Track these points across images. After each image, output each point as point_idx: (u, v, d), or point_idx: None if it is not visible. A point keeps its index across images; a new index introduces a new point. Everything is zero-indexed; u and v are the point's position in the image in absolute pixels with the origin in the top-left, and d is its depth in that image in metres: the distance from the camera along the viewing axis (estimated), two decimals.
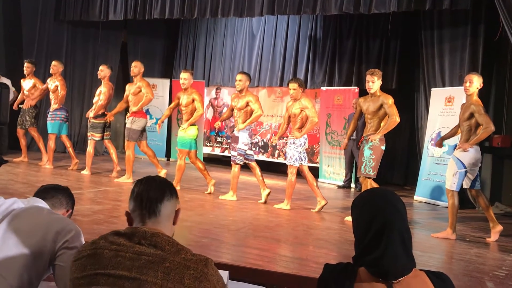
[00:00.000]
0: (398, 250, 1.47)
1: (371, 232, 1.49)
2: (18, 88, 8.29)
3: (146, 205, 1.64)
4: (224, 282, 1.60)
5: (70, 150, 7.75)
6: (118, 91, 10.54)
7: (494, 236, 4.91)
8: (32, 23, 9.64)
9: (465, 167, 4.84)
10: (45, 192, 2.21)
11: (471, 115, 4.83)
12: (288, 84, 6.02)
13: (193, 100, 6.50)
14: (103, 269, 1.51)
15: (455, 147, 5.15)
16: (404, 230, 1.51)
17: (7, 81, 8.21)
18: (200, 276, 1.49)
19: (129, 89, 7.03)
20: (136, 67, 6.94)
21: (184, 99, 6.56)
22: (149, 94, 6.86)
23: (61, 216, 2.09)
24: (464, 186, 4.96)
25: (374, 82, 5.35)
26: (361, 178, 5.49)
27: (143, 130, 6.97)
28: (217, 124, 6.74)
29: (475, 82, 4.84)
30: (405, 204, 1.59)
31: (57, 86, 7.68)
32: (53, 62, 7.84)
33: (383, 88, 5.53)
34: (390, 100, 5.31)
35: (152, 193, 1.66)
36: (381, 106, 5.34)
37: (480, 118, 4.75)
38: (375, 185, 5.42)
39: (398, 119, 5.27)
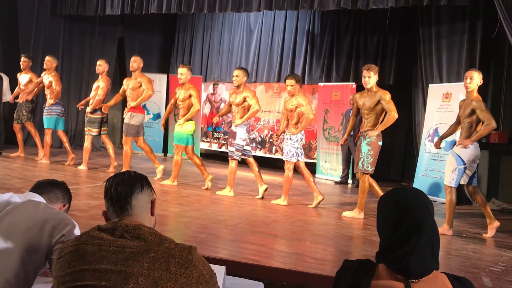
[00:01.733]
0: (425, 250, 1.46)
1: (400, 230, 1.48)
2: (15, 82, 8.24)
3: (116, 201, 1.65)
4: (210, 267, 1.60)
5: (67, 145, 7.73)
6: (114, 86, 10.48)
7: (490, 232, 4.92)
8: (28, 18, 9.59)
9: (464, 164, 4.84)
10: (41, 187, 2.21)
11: (472, 112, 4.82)
12: (285, 80, 6.01)
13: (190, 96, 6.49)
14: (88, 264, 1.51)
15: (453, 143, 5.16)
16: (434, 231, 1.50)
17: (5, 78, 8.14)
18: (186, 263, 1.50)
19: (127, 83, 7.01)
20: (135, 62, 6.92)
21: (181, 94, 6.55)
22: (149, 90, 6.85)
23: (57, 210, 2.08)
24: (462, 182, 4.97)
25: (370, 77, 5.34)
26: (359, 174, 5.50)
27: (141, 125, 6.96)
28: (215, 119, 6.74)
29: (476, 78, 4.84)
30: (431, 202, 1.58)
31: (51, 82, 7.65)
32: (47, 58, 7.81)
33: (380, 84, 5.53)
34: (387, 96, 5.31)
35: (120, 188, 1.66)
36: (378, 101, 5.33)
37: (482, 115, 4.75)
38: (372, 181, 5.43)
39: (396, 115, 5.27)
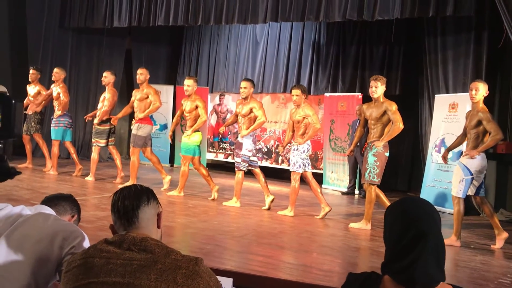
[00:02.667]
0: (430, 260, 1.45)
1: (405, 240, 1.47)
2: (24, 95, 8.31)
3: (123, 214, 1.67)
4: (217, 278, 1.62)
5: (74, 156, 7.78)
6: (122, 97, 10.57)
7: (499, 243, 4.88)
8: (37, 30, 9.70)
9: (471, 174, 4.83)
10: (48, 201, 2.24)
11: (479, 123, 4.82)
12: (291, 91, 6.04)
13: (197, 107, 6.52)
14: (96, 277, 1.52)
15: (459, 153, 5.14)
16: (439, 242, 1.50)
17: (5, 90, 8.09)
18: (192, 274, 1.52)
19: (136, 95, 7.07)
20: (142, 75, 6.97)
21: (187, 105, 6.59)
22: (156, 102, 6.89)
23: (67, 222, 2.10)
24: (469, 193, 4.94)
25: (377, 88, 5.35)
26: (365, 185, 5.49)
27: (148, 136, 7.00)
28: (222, 129, 6.77)
29: (481, 89, 4.84)
30: (438, 214, 1.57)
31: (59, 93, 7.72)
32: (55, 69, 7.89)
33: (386, 94, 5.53)
34: (393, 106, 5.31)
35: (127, 201, 1.68)
36: (384, 112, 5.34)
37: (488, 126, 4.74)
38: (379, 191, 5.41)
39: (402, 126, 5.27)
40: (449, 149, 5.36)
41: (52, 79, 7.88)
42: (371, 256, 4.37)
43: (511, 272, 4.03)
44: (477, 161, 4.80)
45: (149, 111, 6.88)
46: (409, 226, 1.49)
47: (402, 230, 1.50)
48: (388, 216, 1.61)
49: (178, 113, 6.91)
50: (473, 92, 4.86)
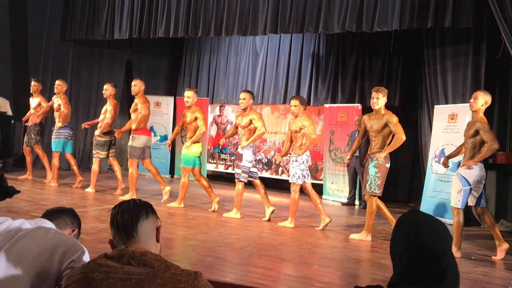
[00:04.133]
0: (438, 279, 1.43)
1: (418, 273, 1.44)
2: (24, 106, 8.33)
3: (122, 228, 1.68)
4: None
5: (75, 168, 7.78)
6: (122, 109, 10.58)
7: (500, 254, 4.87)
8: (38, 42, 9.76)
9: (469, 185, 4.83)
10: (49, 214, 2.24)
11: (476, 132, 4.83)
12: (290, 101, 6.06)
13: (196, 118, 6.54)
14: None
15: (458, 164, 5.15)
16: (456, 277, 1.47)
17: (6, 102, 7.86)
18: None
19: (132, 107, 7.10)
20: (136, 86, 6.98)
21: (187, 116, 6.61)
22: (142, 110, 6.88)
23: (67, 236, 2.10)
24: (469, 203, 4.94)
25: (379, 99, 5.37)
26: (366, 196, 5.49)
27: (146, 147, 6.98)
28: (222, 141, 6.78)
29: (480, 99, 4.85)
30: (451, 236, 1.54)
31: (60, 105, 7.75)
32: (57, 82, 7.92)
33: (386, 105, 5.55)
34: (394, 119, 5.32)
35: (126, 216, 1.69)
36: (385, 124, 5.35)
37: (485, 136, 4.75)
38: (380, 203, 5.41)
39: (404, 137, 5.28)
40: (448, 157, 5.37)
41: (55, 91, 7.90)
42: (372, 268, 4.36)
43: None
44: (474, 171, 4.81)
45: (138, 121, 6.88)
46: (427, 261, 1.44)
47: (418, 262, 1.45)
48: (399, 239, 1.55)
49: (179, 123, 6.92)
50: (472, 100, 4.90)
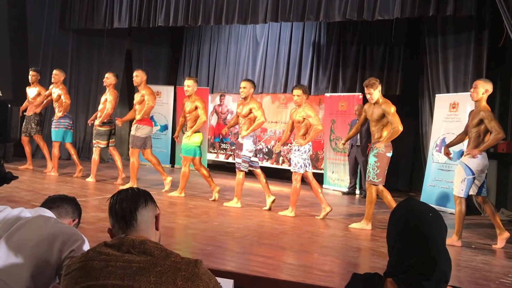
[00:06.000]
0: (437, 278, 1.43)
1: (411, 261, 1.45)
2: (24, 96, 8.32)
3: (121, 217, 1.67)
4: (216, 280, 1.61)
5: (75, 157, 7.78)
6: (122, 99, 10.57)
7: (500, 243, 4.88)
8: (37, 32, 9.71)
9: (473, 174, 4.82)
10: (51, 201, 2.23)
11: (480, 121, 4.80)
12: (292, 91, 6.04)
13: (196, 107, 6.51)
14: (95, 280, 1.52)
15: (460, 153, 5.14)
16: (448, 264, 1.47)
17: None
18: (192, 276, 1.52)
19: (135, 98, 7.08)
20: (137, 77, 6.95)
21: (187, 106, 6.59)
22: (150, 102, 6.86)
23: (67, 225, 2.10)
24: (471, 192, 4.93)
25: (372, 94, 5.38)
26: (367, 185, 5.49)
27: (148, 137, 6.98)
28: (224, 130, 6.77)
29: (480, 87, 4.81)
30: (446, 225, 1.54)
31: (59, 95, 7.73)
32: (55, 71, 7.89)
33: (387, 95, 5.55)
34: (392, 108, 5.29)
35: (125, 204, 1.68)
36: (383, 114, 5.34)
37: (490, 125, 4.72)
38: (386, 193, 5.33)
39: (401, 128, 5.25)
40: (448, 145, 5.34)
41: (52, 80, 7.88)
42: (372, 257, 4.37)
43: None
44: (478, 160, 4.79)
45: (143, 112, 6.86)
46: (417, 249, 1.45)
47: (409, 249, 1.46)
48: (392, 228, 1.56)
49: (182, 114, 6.88)
50: (472, 90, 4.88)
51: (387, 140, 5.30)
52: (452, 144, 5.35)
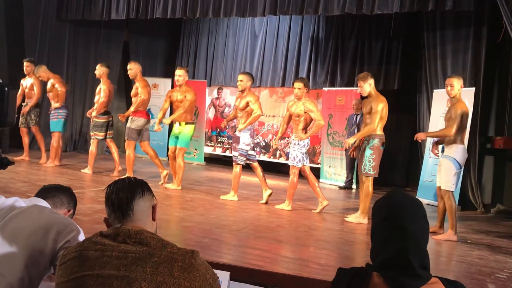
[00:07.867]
0: (414, 264, 1.46)
1: (389, 250, 1.49)
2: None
3: (118, 207, 1.67)
4: (213, 271, 1.61)
5: (56, 149, 7.66)
6: (119, 91, 10.54)
7: (448, 235, 4.86)
8: (34, 22, 9.63)
9: (460, 167, 4.98)
10: (46, 191, 2.21)
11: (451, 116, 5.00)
12: (293, 84, 6.02)
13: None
14: (90, 270, 1.51)
15: (442, 148, 5.21)
16: (423, 249, 1.50)
17: None
18: (189, 267, 1.51)
19: (133, 90, 7.07)
20: (131, 70, 6.93)
21: (178, 95, 6.61)
22: (142, 94, 6.84)
23: (62, 216, 2.08)
24: (437, 184, 5.09)
25: (361, 87, 5.46)
26: (363, 178, 5.49)
27: (144, 129, 6.94)
28: (223, 123, 6.79)
29: (456, 84, 5.01)
30: (425, 212, 1.56)
31: (53, 85, 7.68)
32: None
33: (385, 89, 5.58)
34: (380, 105, 5.35)
35: (122, 194, 1.68)
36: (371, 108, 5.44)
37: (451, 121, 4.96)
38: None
39: (374, 127, 5.31)
40: (437, 143, 5.37)
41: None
42: (367, 250, 4.32)
43: (508, 267, 4.04)
44: (464, 154, 4.97)
45: (136, 105, 6.84)
46: (392, 236, 1.49)
47: (384, 237, 1.51)
48: (374, 214, 1.62)
49: (165, 105, 6.88)
50: (449, 88, 5.03)
51: (361, 135, 5.45)
52: (440, 140, 5.36)
